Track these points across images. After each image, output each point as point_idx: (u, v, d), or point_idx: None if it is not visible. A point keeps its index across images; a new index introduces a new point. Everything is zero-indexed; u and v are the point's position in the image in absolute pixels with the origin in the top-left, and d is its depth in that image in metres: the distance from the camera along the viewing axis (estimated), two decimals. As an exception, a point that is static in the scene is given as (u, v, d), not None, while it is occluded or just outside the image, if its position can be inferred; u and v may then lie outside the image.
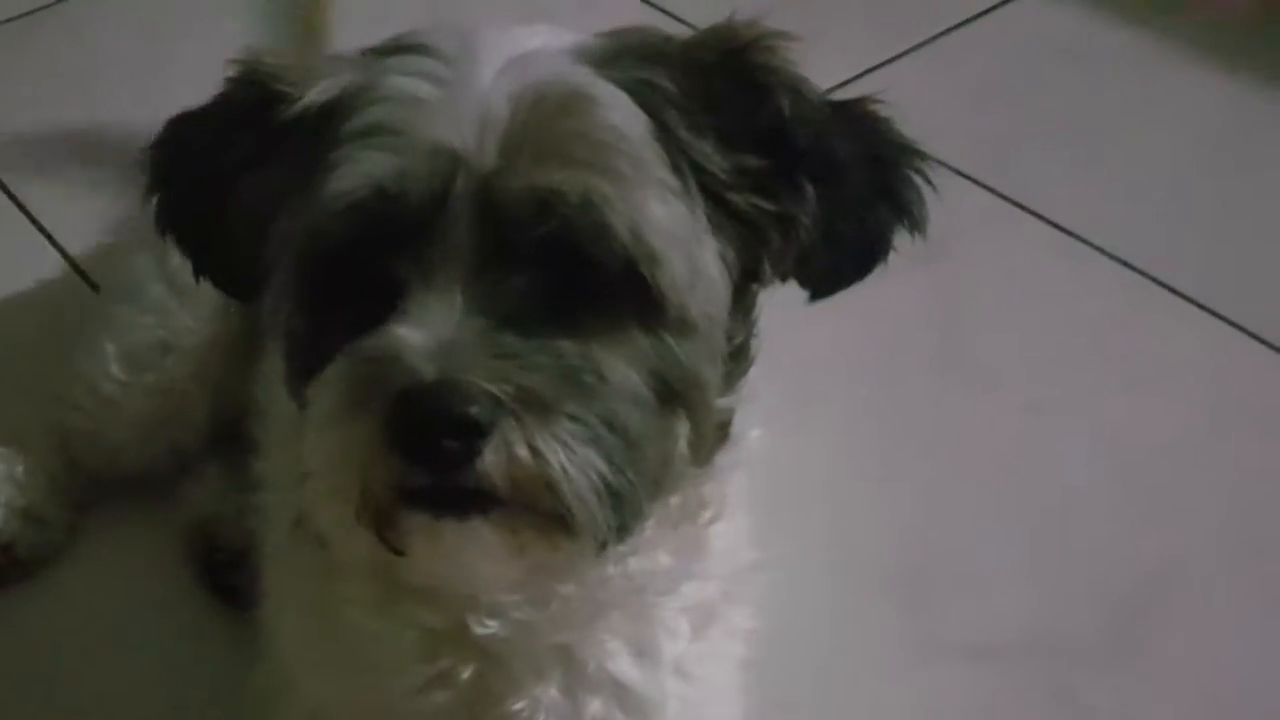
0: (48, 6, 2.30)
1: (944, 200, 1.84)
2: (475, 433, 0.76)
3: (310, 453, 0.82)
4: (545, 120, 0.81)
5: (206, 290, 1.11)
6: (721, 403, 0.92)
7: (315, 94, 0.87)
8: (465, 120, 0.81)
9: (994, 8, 2.27)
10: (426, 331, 0.78)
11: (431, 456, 0.76)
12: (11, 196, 1.91)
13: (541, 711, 0.97)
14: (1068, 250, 1.85)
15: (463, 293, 0.79)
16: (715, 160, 0.86)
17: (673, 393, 0.84)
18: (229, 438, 1.41)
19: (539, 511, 0.79)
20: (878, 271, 0.92)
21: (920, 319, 1.75)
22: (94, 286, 1.70)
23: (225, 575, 1.38)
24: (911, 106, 1.96)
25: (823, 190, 0.88)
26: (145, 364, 1.45)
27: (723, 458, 0.94)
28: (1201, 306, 1.77)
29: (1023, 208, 1.91)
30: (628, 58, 0.86)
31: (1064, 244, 1.86)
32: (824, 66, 2.01)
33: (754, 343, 0.95)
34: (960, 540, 1.52)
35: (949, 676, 1.39)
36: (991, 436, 1.62)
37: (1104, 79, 2.13)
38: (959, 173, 1.94)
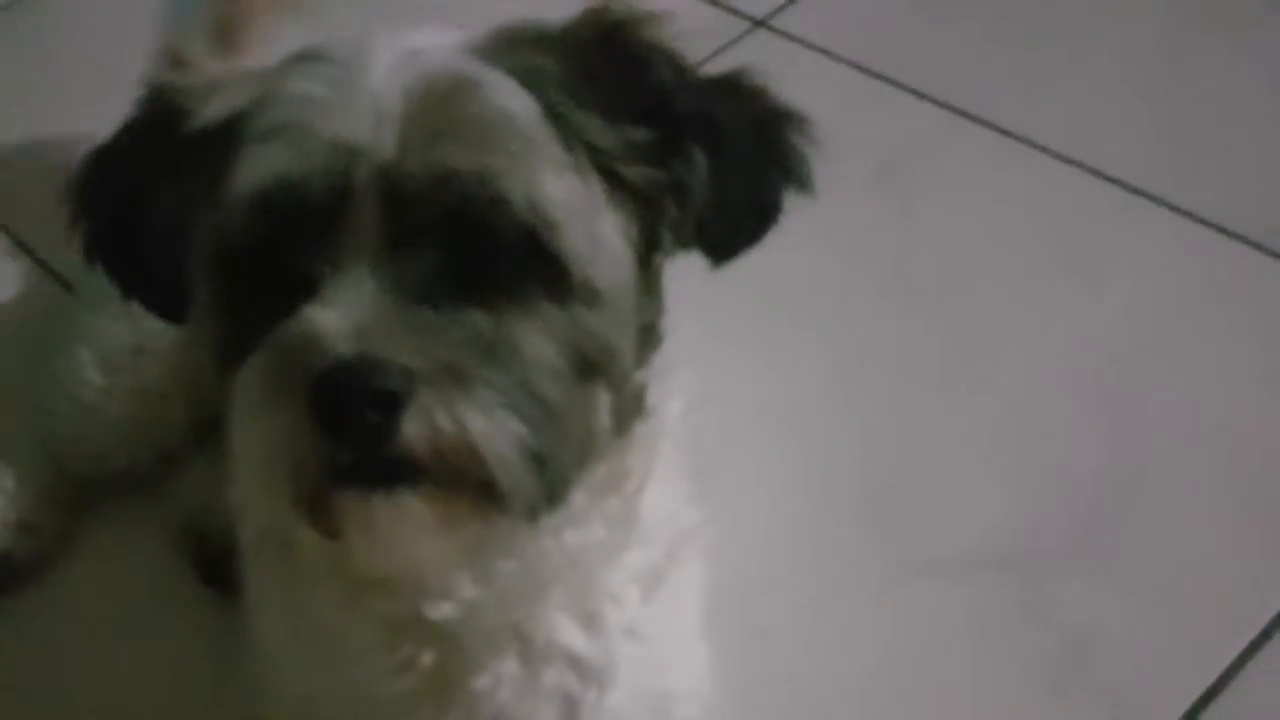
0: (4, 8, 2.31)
1: (892, 119, 1.88)
2: (395, 405, 0.78)
3: (238, 446, 0.84)
4: (437, 106, 0.84)
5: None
6: (635, 380, 0.95)
7: (216, 108, 0.89)
8: (361, 114, 0.84)
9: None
10: (340, 313, 0.80)
11: (354, 431, 0.79)
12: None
13: (503, 686, 1.01)
14: (1021, 157, 1.86)
15: (373, 275, 0.82)
16: (605, 136, 0.88)
17: (589, 364, 0.87)
18: (212, 432, 1.42)
19: (466, 482, 0.82)
20: (771, 234, 0.95)
21: (877, 239, 1.77)
22: (69, 289, 1.72)
23: (216, 568, 1.41)
24: (850, 26, 1.99)
25: (710, 155, 0.90)
26: (120, 367, 1.48)
27: (641, 429, 0.97)
28: (1157, 200, 1.78)
29: (970, 116, 1.91)
30: (511, 46, 0.90)
31: (1017, 151, 1.86)
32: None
33: (662, 321, 0.97)
34: (924, 458, 1.54)
35: (920, 594, 1.42)
36: (951, 352, 1.64)
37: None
38: (905, 88, 1.95)
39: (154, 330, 1.46)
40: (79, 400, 1.50)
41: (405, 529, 0.83)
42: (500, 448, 0.81)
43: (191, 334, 0.95)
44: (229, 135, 0.87)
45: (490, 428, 0.80)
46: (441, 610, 0.96)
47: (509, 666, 1.01)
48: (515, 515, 0.84)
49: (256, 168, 0.84)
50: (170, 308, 0.99)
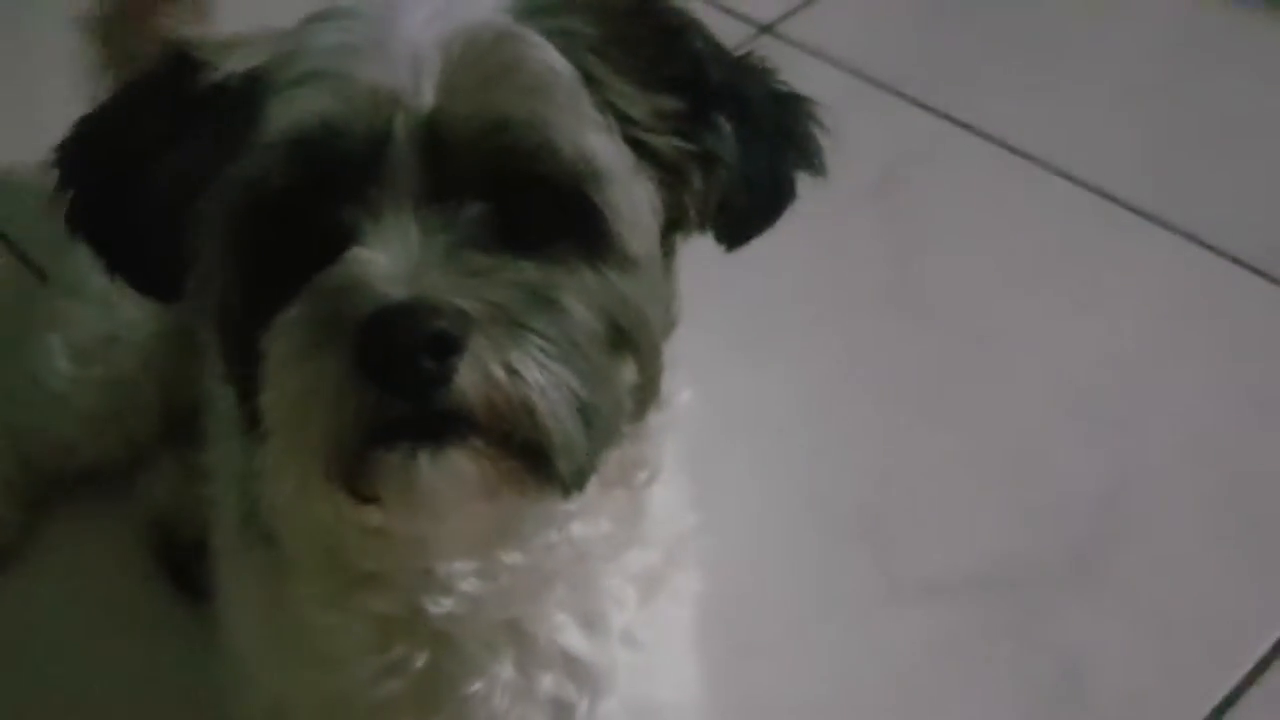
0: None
1: (894, 129, 1.87)
2: (451, 349, 0.74)
3: (270, 404, 0.79)
4: (480, 56, 0.82)
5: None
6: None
7: (238, 60, 0.85)
8: (399, 62, 0.81)
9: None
10: (389, 255, 0.77)
11: (408, 379, 0.74)
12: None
13: (498, 691, 0.97)
14: (1020, 171, 1.85)
15: (417, 222, 0.79)
16: (637, 103, 0.86)
17: (621, 333, 0.84)
18: (183, 429, 1.40)
19: (513, 440, 0.78)
20: (786, 217, 0.93)
21: (873, 252, 1.76)
22: (43, 277, 1.68)
23: (185, 567, 1.38)
24: (855, 35, 1.99)
25: (738, 128, 0.89)
26: (93, 358, 1.44)
27: (654, 418, 0.93)
28: (1156, 219, 1.77)
29: (973, 130, 1.90)
30: (543, 9, 0.87)
31: (1016, 165, 1.85)
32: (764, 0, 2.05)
33: (676, 305, 0.94)
34: (917, 475, 1.52)
35: (912, 614, 1.40)
36: (946, 369, 1.62)
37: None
38: (907, 98, 1.94)
39: (128, 320, 1.43)
40: (48, 389, 1.45)
41: (449, 491, 0.78)
42: (554, 401, 0.77)
43: (192, 303, 0.90)
44: (252, 89, 0.84)
45: (545, 378, 0.77)
46: (443, 605, 0.92)
47: (505, 670, 0.97)
48: (559, 478, 0.80)
49: (295, 110, 0.80)
50: (157, 283, 0.94)
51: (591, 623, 0.99)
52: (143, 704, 1.34)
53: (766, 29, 2.07)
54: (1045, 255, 1.74)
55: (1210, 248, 1.73)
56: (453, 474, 0.77)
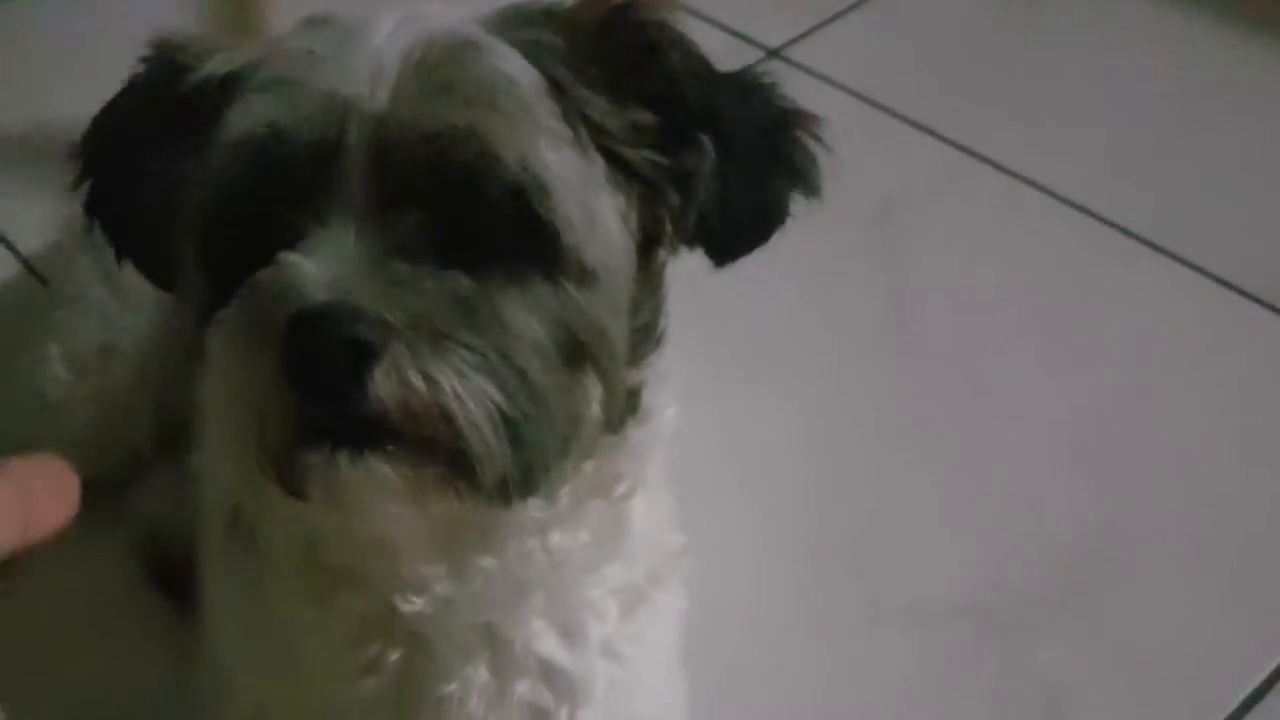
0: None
1: (900, 155, 1.87)
2: (365, 355, 0.75)
3: (209, 400, 0.81)
4: (436, 65, 0.82)
5: (147, 292, 1.16)
6: (630, 376, 0.91)
7: (215, 65, 0.87)
8: (358, 70, 0.81)
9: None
10: (318, 261, 0.77)
11: (322, 381, 0.75)
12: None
13: (473, 694, 0.96)
14: (1026, 199, 1.84)
15: (357, 229, 0.79)
16: (610, 116, 0.86)
17: (578, 346, 0.83)
18: (176, 441, 1.37)
19: (437, 450, 0.78)
20: (777, 237, 0.91)
21: (869, 280, 1.75)
22: (46, 284, 1.66)
23: (176, 579, 1.36)
24: (864, 60, 1.99)
25: (717, 145, 0.88)
26: (89, 368, 1.44)
27: (635, 431, 0.93)
28: (1161, 249, 1.76)
29: (980, 156, 1.89)
30: (518, 21, 0.87)
31: (1023, 192, 1.85)
32: (773, 24, 2.05)
33: (663, 322, 0.94)
34: (906, 502, 1.51)
35: (895, 640, 1.39)
36: (939, 398, 1.61)
37: (1054, 23, 2.12)
38: (915, 124, 1.94)
39: (124, 331, 1.43)
40: (44, 398, 1.45)
41: (371, 494, 0.79)
42: (473, 411, 0.77)
43: (179, 301, 0.92)
44: (226, 92, 0.85)
45: (464, 389, 0.76)
46: (414, 604, 0.92)
47: (479, 674, 0.96)
48: (486, 490, 0.80)
49: (248, 115, 0.82)
50: (162, 274, 0.96)
51: (570, 632, 0.98)
52: (131, 713, 1.34)
53: (775, 53, 2.07)
54: (1047, 285, 1.73)
55: (1219, 279, 1.73)
56: (372, 477, 0.78)
